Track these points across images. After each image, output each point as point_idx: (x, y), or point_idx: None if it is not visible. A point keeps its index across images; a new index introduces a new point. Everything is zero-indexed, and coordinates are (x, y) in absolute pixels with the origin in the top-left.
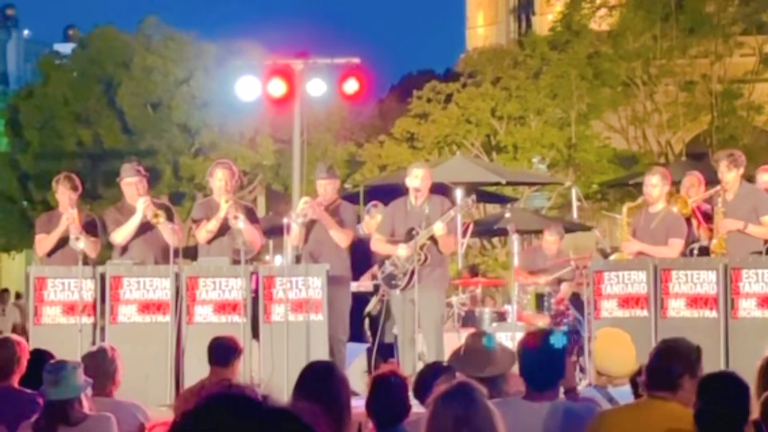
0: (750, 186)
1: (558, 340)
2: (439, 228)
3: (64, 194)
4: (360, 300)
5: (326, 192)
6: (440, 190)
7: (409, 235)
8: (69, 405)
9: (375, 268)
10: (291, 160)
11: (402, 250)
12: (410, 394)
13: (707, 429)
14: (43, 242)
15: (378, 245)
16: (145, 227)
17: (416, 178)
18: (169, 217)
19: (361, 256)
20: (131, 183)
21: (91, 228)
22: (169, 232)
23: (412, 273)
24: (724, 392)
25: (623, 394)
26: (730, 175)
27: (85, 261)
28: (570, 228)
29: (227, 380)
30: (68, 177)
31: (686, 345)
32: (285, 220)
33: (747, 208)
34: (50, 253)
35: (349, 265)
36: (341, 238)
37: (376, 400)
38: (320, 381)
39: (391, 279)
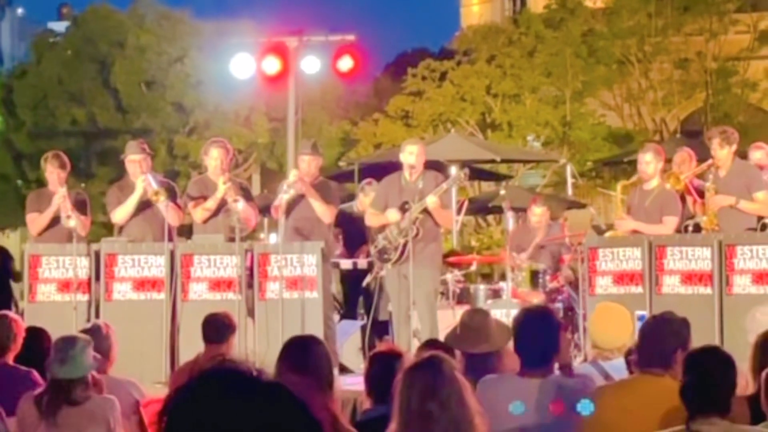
0: (743, 162)
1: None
2: (432, 201)
3: (53, 173)
4: (355, 277)
5: (310, 168)
6: (435, 167)
7: (403, 209)
8: (75, 384)
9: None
10: (285, 138)
11: (393, 214)
12: None
13: (693, 403)
14: (37, 221)
15: (372, 218)
16: (144, 205)
17: (411, 155)
18: (171, 196)
19: (355, 234)
20: (135, 161)
21: (81, 206)
22: (169, 212)
23: (404, 247)
24: (709, 367)
25: (618, 368)
26: (722, 152)
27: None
28: (565, 206)
29: (221, 356)
30: (56, 155)
31: (676, 320)
32: (276, 202)
33: (740, 185)
34: (41, 232)
35: (332, 241)
36: (325, 213)
37: (374, 377)
38: (302, 354)
39: (384, 253)
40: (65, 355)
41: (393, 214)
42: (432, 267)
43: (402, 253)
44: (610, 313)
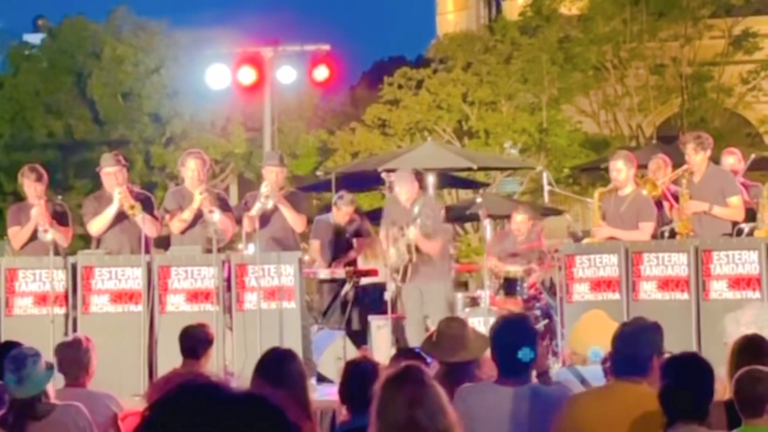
0: (717, 168)
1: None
2: (412, 233)
3: (30, 186)
4: (333, 287)
5: (278, 179)
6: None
7: (401, 231)
8: (35, 400)
9: (351, 254)
10: (262, 148)
11: (392, 258)
12: None
13: (671, 409)
14: (19, 235)
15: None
16: (121, 217)
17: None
18: (148, 207)
19: (334, 244)
20: (110, 173)
21: (61, 217)
22: (146, 224)
23: (405, 270)
24: (687, 373)
25: (595, 374)
26: (697, 158)
27: (57, 251)
28: (542, 212)
29: (197, 371)
30: (32, 168)
31: (649, 326)
32: (253, 212)
33: (714, 190)
34: (23, 245)
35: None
36: (297, 222)
37: (349, 386)
38: (278, 368)
39: (392, 272)
40: (19, 376)
41: (391, 258)
42: (441, 281)
43: (404, 274)
44: (594, 322)
